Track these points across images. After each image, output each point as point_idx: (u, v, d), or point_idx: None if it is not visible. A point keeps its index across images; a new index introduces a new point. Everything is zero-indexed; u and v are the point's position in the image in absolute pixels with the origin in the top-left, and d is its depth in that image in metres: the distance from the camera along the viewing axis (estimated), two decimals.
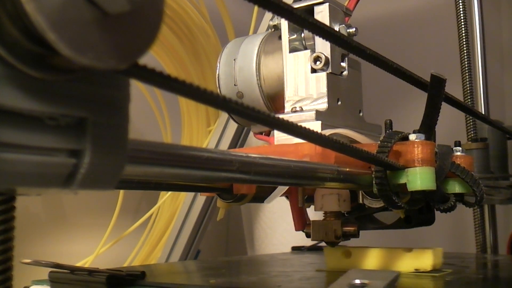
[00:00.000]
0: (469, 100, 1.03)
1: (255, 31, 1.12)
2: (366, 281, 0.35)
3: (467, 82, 1.03)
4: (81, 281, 0.49)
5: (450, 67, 1.06)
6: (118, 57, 0.17)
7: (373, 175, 0.42)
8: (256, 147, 0.56)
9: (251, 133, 0.66)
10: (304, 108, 0.54)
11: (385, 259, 0.52)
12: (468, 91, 1.03)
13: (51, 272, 0.52)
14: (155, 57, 1.15)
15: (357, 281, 0.36)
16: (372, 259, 0.53)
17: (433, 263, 0.52)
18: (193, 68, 1.16)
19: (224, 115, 1.13)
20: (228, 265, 0.77)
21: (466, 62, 1.04)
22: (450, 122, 0.95)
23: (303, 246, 0.86)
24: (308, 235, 0.57)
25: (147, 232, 1.18)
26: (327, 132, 0.51)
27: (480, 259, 0.70)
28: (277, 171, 0.32)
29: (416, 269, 0.51)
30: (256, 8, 1.10)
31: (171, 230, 1.13)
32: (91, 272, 0.50)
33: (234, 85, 0.58)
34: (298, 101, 0.55)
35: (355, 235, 0.54)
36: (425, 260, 0.51)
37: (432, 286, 0.47)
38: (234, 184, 0.49)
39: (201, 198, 1.11)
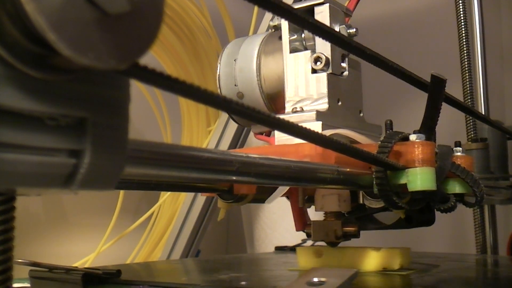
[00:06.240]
0: (469, 100, 1.03)
1: (255, 31, 1.12)
2: (323, 279, 0.37)
3: (467, 82, 1.03)
4: (59, 279, 0.51)
5: (450, 67, 1.06)
6: (118, 57, 0.17)
7: (373, 176, 0.42)
8: (256, 147, 0.56)
9: (251, 134, 0.66)
10: (304, 109, 0.54)
11: (355, 259, 0.53)
12: (468, 91, 1.03)
13: (31, 270, 0.53)
14: (155, 57, 1.15)
15: (315, 279, 0.37)
16: (342, 259, 0.54)
17: (400, 262, 0.53)
18: (193, 68, 1.16)
19: (224, 115, 1.13)
20: (205, 263, 0.78)
21: (466, 62, 1.03)
22: (450, 122, 0.95)
23: (286, 246, 0.86)
24: (308, 235, 0.57)
25: (147, 232, 1.18)
26: (328, 132, 0.51)
27: (455, 259, 0.71)
28: (277, 172, 0.32)
29: (384, 268, 0.52)
30: (256, 8, 1.10)
31: (171, 230, 1.13)
32: (68, 270, 0.51)
33: (235, 85, 0.58)
34: (299, 101, 0.55)
35: (356, 235, 0.54)
36: (392, 259, 0.53)
37: (389, 283, 0.49)
38: (234, 185, 0.49)
39: (201, 198, 1.11)
